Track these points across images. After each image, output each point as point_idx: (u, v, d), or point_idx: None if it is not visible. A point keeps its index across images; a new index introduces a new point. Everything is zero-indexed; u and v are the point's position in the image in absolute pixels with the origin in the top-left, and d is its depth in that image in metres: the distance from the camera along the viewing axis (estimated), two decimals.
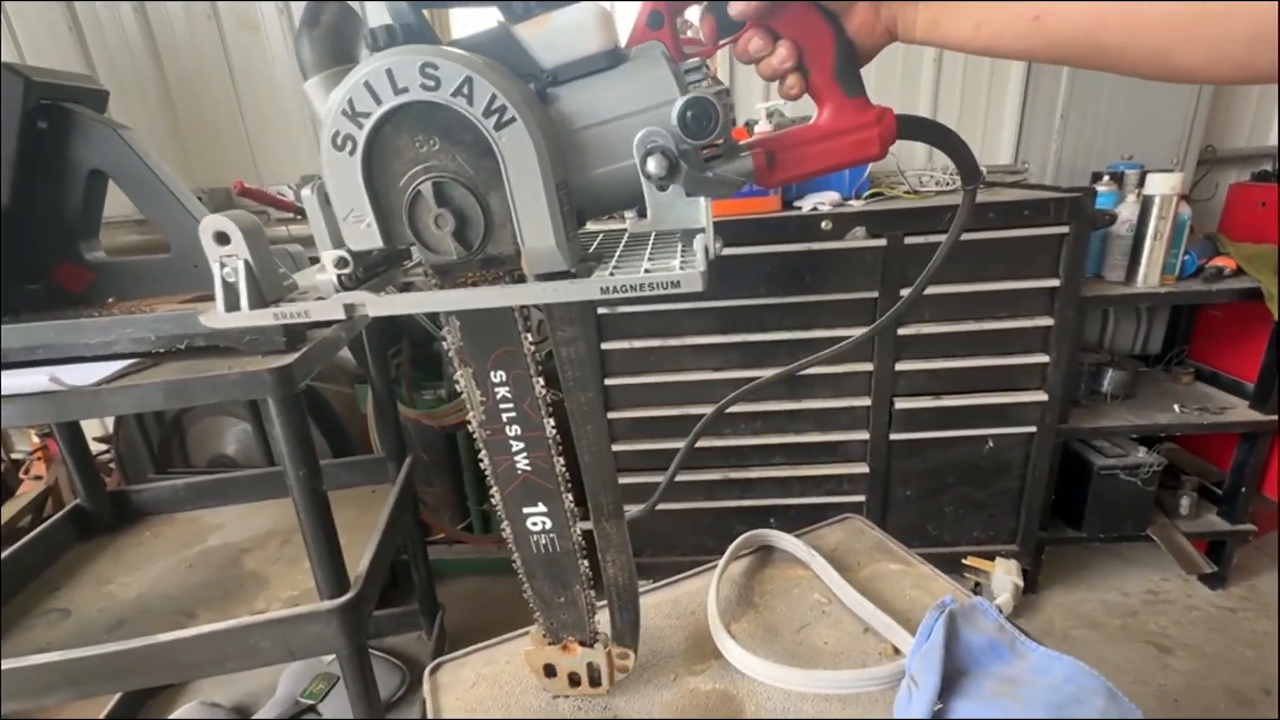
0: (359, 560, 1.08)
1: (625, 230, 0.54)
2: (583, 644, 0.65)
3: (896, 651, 0.72)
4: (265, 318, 0.44)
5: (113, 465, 2.02)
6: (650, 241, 0.50)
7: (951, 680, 0.60)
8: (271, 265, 0.45)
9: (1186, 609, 1.81)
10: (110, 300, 1.06)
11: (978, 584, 1.76)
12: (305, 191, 0.43)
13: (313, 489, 0.93)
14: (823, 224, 1.47)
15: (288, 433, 0.90)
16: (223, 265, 0.44)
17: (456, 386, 0.53)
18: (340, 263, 0.44)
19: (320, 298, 0.45)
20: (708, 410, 0.72)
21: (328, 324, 1.05)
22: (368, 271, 0.46)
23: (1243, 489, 1.81)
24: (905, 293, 1.48)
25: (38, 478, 2.09)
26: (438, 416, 1.89)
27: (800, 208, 1.56)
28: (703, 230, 0.44)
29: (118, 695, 1.42)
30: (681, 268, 0.42)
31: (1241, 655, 1.65)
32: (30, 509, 1.95)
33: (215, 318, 0.44)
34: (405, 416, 1.87)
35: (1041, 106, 2.02)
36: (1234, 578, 1.88)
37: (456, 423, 1.91)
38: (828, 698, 0.66)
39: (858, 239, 1.47)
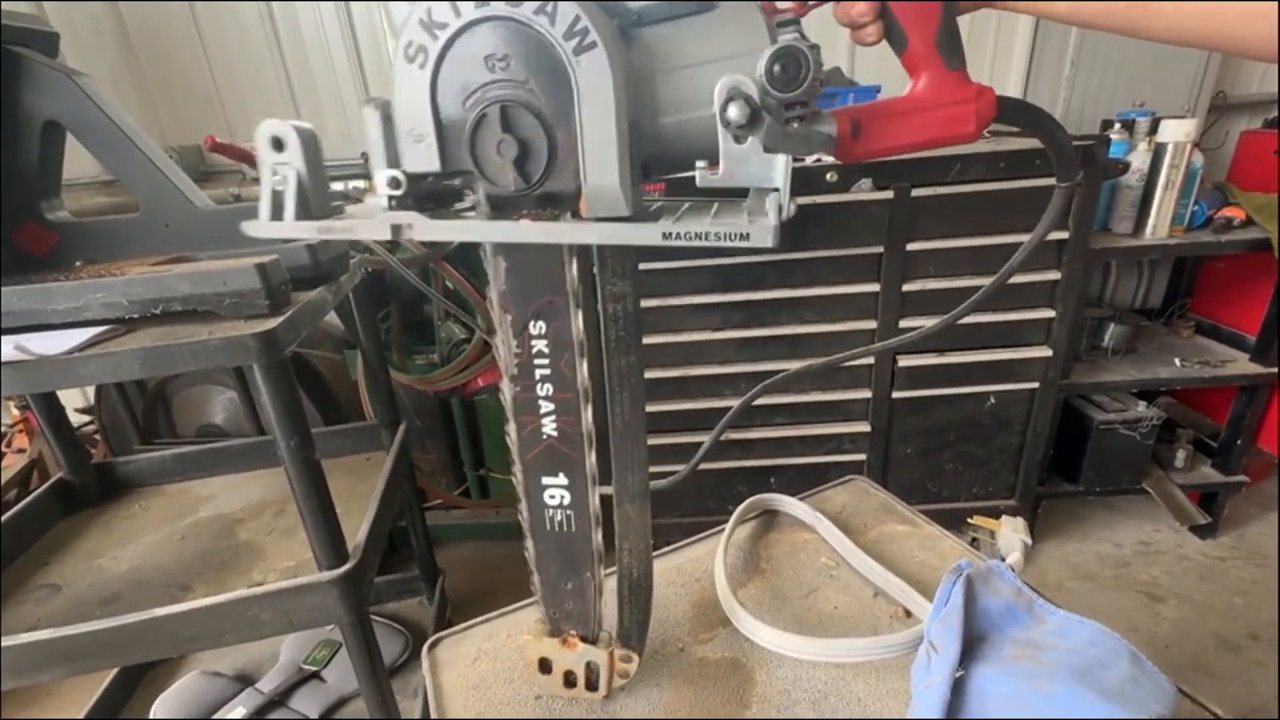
0: (357, 529, 1.05)
1: (685, 203, 0.51)
2: (584, 640, 0.61)
3: (908, 614, 0.71)
4: (309, 230, 0.42)
5: (97, 437, 1.97)
6: (714, 208, 0.48)
7: (969, 645, 0.59)
8: (324, 182, 0.43)
9: (1178, 559, 1.84)
10: (77, 264, 0.99)
11: (974, 539, 1.77)
12: (367, 108, 0.41)
13: (305, 459, 0.90)
14: (828, 176, 1.41)
15: (276, 401, 0.86)
16: (274, 173, 0.42)
17: (483, 330, 0.51)
18: (393, 183, 0.42)
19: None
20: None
21: (332, 280, 1.02)
22: (418, 202, 0.44)
23: (1238, 441, 1.82)
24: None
25: (20, 450, 2.04)
26: (431, 382, 1.85)
27: (804, 158, 1.50)
28: (776, 190, 0.41)
29: (116, 669, 1.41)
30: (751, 222, 0.41)
31: (1230, 602, 1.68)
32: (16, 483, 1.91)
33: (258, 226, 0.43)
34: (397, 382, 1.83)
35: (1051, 52, 1.93)
36: (1224, 528, 1.92)
37: (450, 388, 1.87)
38: (841, 665, 0.65)
39: (863, 191, 1.42)
